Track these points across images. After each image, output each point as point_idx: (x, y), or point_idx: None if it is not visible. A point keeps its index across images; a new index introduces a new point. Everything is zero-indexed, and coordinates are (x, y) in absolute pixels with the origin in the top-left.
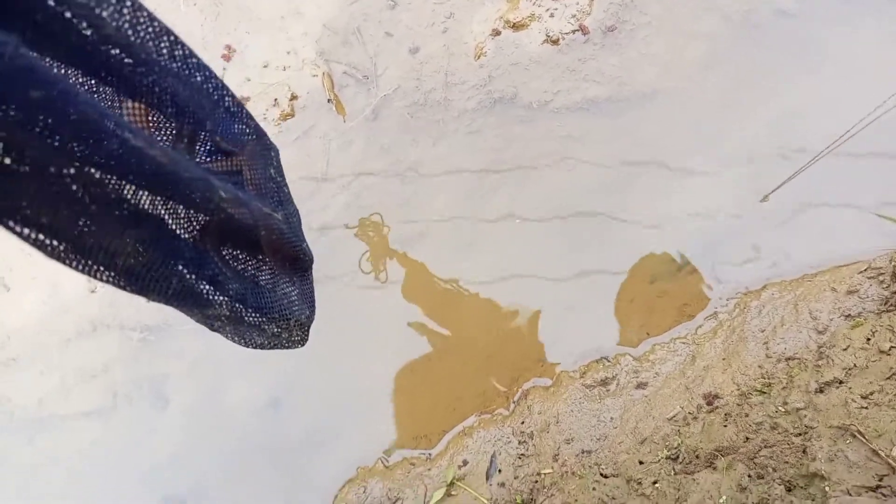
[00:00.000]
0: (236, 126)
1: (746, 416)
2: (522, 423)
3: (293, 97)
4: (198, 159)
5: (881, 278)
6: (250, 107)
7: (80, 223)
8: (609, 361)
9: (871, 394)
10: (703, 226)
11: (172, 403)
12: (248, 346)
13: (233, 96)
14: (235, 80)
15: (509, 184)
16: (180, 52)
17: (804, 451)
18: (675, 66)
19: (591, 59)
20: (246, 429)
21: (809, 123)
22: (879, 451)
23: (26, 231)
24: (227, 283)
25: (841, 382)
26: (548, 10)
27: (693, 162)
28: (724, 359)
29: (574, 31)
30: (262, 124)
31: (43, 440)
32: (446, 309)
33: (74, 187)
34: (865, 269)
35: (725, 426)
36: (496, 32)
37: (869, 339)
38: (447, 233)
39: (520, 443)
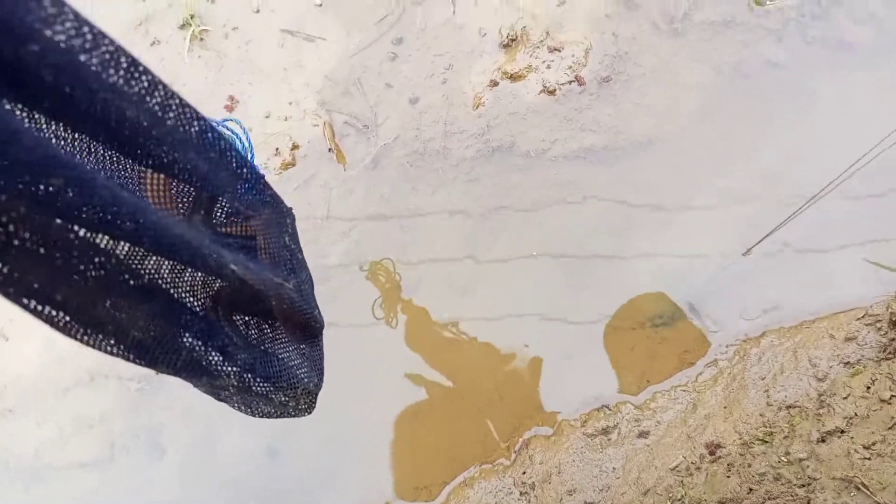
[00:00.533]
0: (253, 194)
1: (749, 466)
2: (524, 473)
3: (294, 146)
4: (214, 222)
5: (878, 325)
6: None
7: (91, 298)
8: (610, 409)
9: (874, 444)
10: (699, 271)
11: (169, 453)
12: (254, 416)
13: (252, 167)
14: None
15: (507, 230)
16: (198, 126)
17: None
18: (670, 116)
19: (588, 108)
20: (242, 478)
21: (803, 169)
22: None
23: (39, 307)
24: (236, 354)
25: (843, 432)
26: (544, 61)
27: (689, 208)
28: (725, 407)
29: (570, 82)
30: (263, 174)
31: (39, 490)
32: (446, 355)
33: (88, 263)
34: (863, 316)
35: (728, 477)
36: (494, 83)
37: (869, 388)
38: (445, 279)
39: (521, 494)
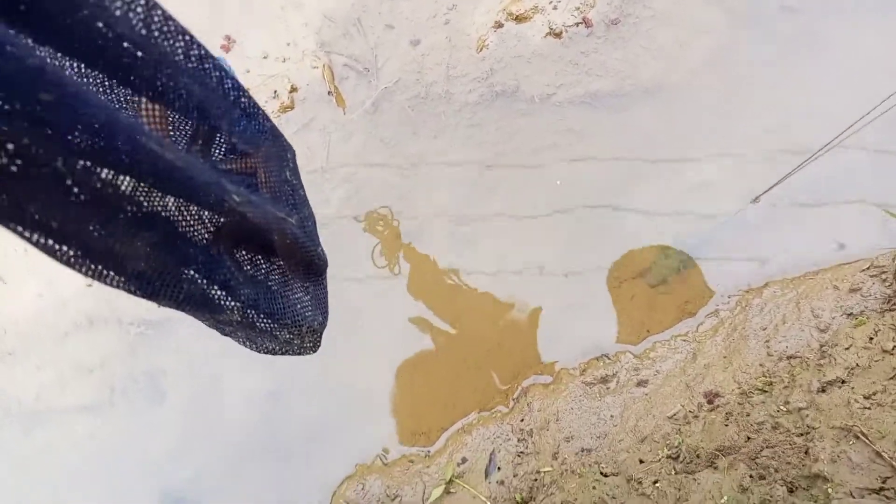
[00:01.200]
0: (252, 127)
1: (748, 415)
2: (522, 420)
3: (293, 89)
4: (213, 159)
5: (884, 276)
6: None
7: (91, 227)
8: (609, 359)
9: (874, 394)
10: (705, 222)
11: (169, 398)
12: (259, 352)
13: (249, 97)
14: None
15: (510, 178)
16: (196, 53)
17: (806, 452)
18: (679, 61)
19: (594, 52)
20: (244, 423)
21: (814, 119)
22: (883, 453)
23: (35, 236)
24: (239, 288)
25: (843, 382)
26: (551, 2)
27: (696, 158)
28: (725, 357)
29: (577, 24)
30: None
31: (39, 434)
32: (446, 304)
33: (85, 191)
34: (868, 268)
35: (727, 425)
36: (499, 24)
37: (872, 339)
38: (447, 227)
39: (519, 440)
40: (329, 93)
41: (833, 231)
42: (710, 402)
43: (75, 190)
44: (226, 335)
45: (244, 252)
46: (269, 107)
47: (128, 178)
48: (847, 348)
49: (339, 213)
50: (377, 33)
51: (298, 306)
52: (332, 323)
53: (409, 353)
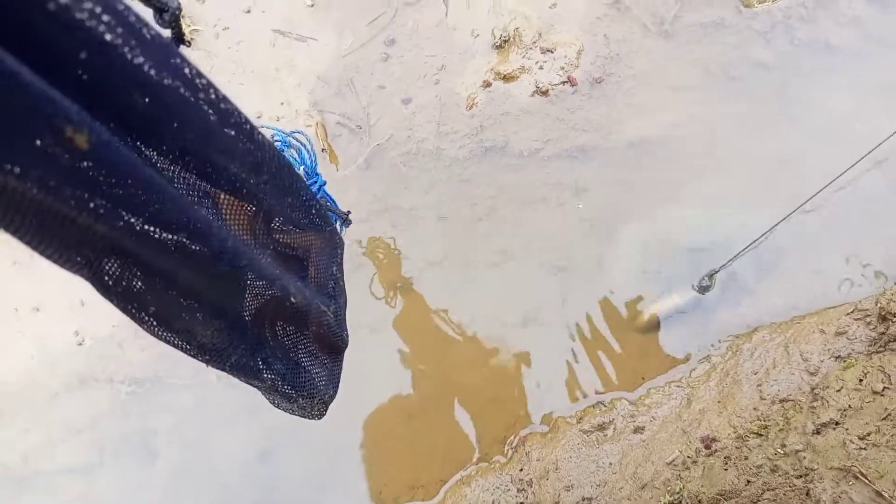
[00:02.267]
0: (309, 216)
1: (746, 458)
2: (521, 470)
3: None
4: (274, 227)
5: (868, 319)
6: None
7: (180, 311)
8: (605, 406)
9: (869, 434)
10: (692, 267)
11: (160, 458)
12: (273, 405)
13: (308, 190)
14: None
15: (501, 230)
16: (270, 153)
17: (808, 494)
18: (661, 116)
19: (580, 109)
20: (236, 482)
21: (793, 172)
22: (883, 493)
23: (146, 318)
24: (275, 364)
25: (837, 423)
26: (537, 62)
27: (680, 207)
28: (719, 401)
29: (563, 83)
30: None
31: (27, 499)
32: (442, 354)
33: (178, 279)
34: (852, 311)
35: (726, 470)
36: (487, 84)
37: (861, 380)
38: (440, 277)
39: (519, 490)
40: (323, 150)
41: (816, 277)
42: (707, 447)
43: (174, 284)
44: (250, 385)
45: (280, 329)
46: None
47: (222, 265)
48: (838, 390)
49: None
50: (369, 93)
51: (317, 380)
52: None
53: (406, 403)
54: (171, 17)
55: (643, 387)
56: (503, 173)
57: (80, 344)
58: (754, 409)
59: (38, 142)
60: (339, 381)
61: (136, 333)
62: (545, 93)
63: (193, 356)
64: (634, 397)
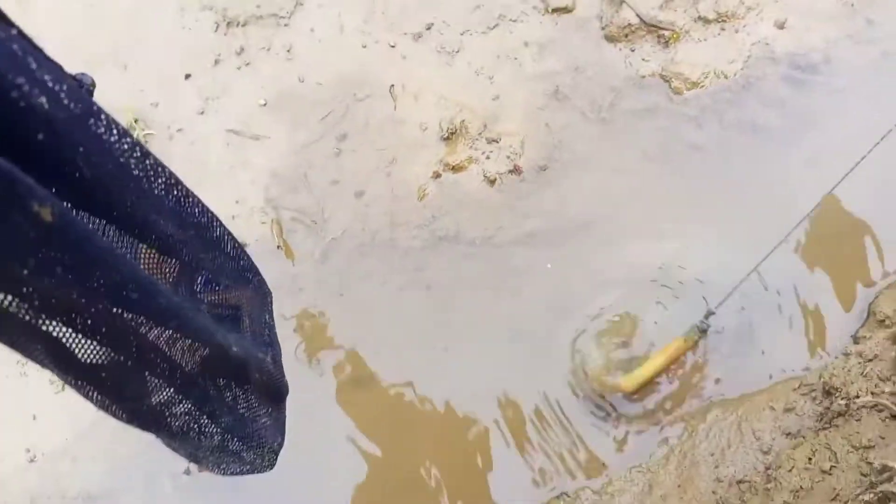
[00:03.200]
0: (236, 269)
1: None
2: None
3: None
4: (197, 290)
5: (813, 395)
6: None
7: (102, 364)
8: (569, 496)
9: None
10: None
11: None
12: (223, 474)
13: (234, 239)
14: None
15: (457, 315)
16: (184, 195)
17: None
18: (605, 197)
19: (527, 195)
20: None
21: (735, 247)
22: None
23: (74, 381)
24: (221, 417)
25: None
26: (484, 153)
27: (628, 285)
28: (679, 486)
29: (510, 171)
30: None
31: None
32: (396, 439)
33: (111, 337)
34: (798, 386)
35: None
36: (437, 174)
37: (810, 459)
38: (396, 361)
39: None
40: (278, 247)
41: (760, 352)
42: None
43: (93, 332)
44: (197, 461)
45: (222, 381)
46: None
47: (141, 318)
48: (790, 470)
49: (289, 357)
50: (323, 187)
51: (263, 430)
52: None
53: (358, 484)
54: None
55: (605, 475)
56: (458, 261)
57: (32, 461)
58: (713, 492)
59: (14, 219)
60: (285, 429)
61: (90, 446)
62: (493, 181)
63: (139, 425)
64: (598, 486)
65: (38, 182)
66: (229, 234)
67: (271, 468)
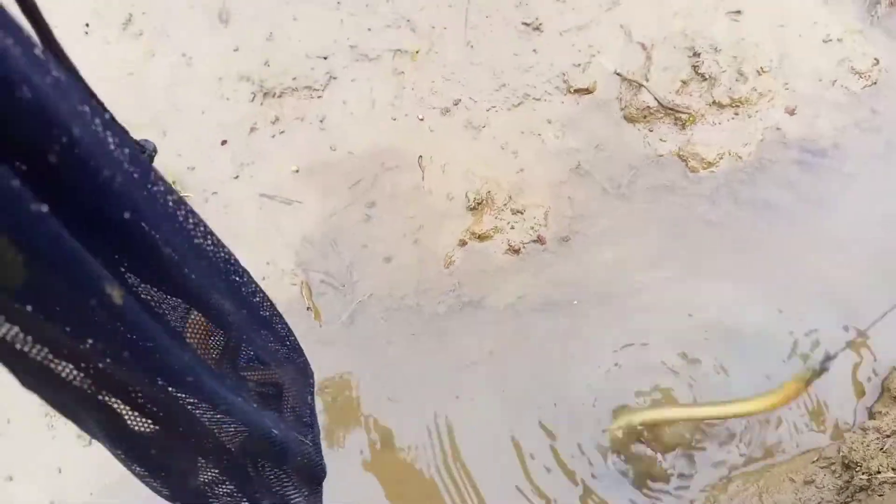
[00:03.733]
0: (283, 349)
1: None
2: None
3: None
4: (241, 366)
5: (833, 468)
6: None
7: (158, 443)
8: None
9: None
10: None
11: None
12: None
13: (284, 322)
14: None
15: (482, 383)
16: (239, 273)
17: None
18: (625, 269)
19: (549, 266)
20: None
21: (745, 319)
22: None
23: (141, 472)
24: (262, 500)
25: None
26: (509, 223)
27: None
28: None
29: (533, 241)
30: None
31: None
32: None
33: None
34: (817, 459)
35: None
36: (463, 243)
37: None
38: (420, 430)
39: None
40: (308, 308)
41: (776, 428)
42: None
43: (148, 409)
44: None
45: (263, 463)
46: None
47: (193, 399)
48: None
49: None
50: (352, 252)
51: None
52: None
53: None
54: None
55: None
56: (481, 326)
57: None
58: None
59: (93, 302)
60: None
61: (115, 502)
62: (517, 251)
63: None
64: None
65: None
66: (279, 315)
67: None
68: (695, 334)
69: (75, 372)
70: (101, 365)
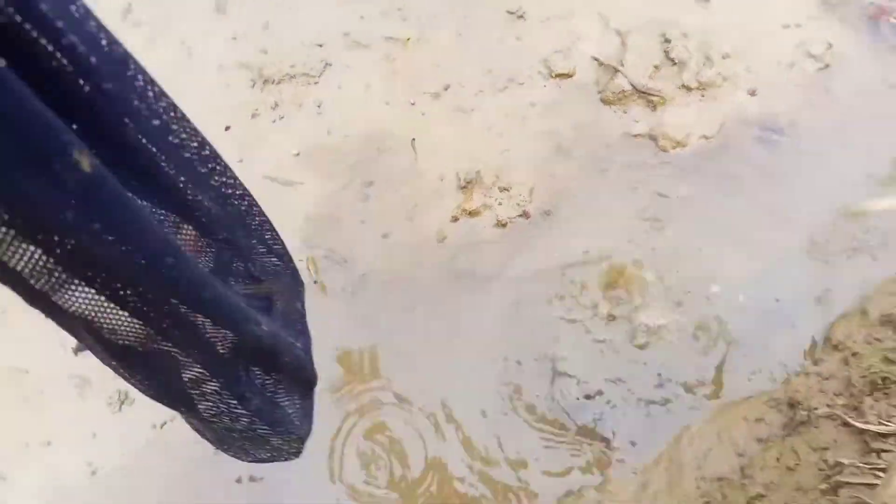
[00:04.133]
0: (272, 256)
1: None
2: None
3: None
4: (231, 273)
5: (780, 407)
6: None
7: (140, 339)
8: (574, 494)
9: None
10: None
11: None
12: (248, 460)
13: (273, 228)
14: None
15: (473, 339)
16: (232, 184)
17: None
18: (603, 234)
19: (535, 237)
20: None
21: (720, 277)
22: None
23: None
24: (252, 399)
25: (763, 496)
26: (497, 199)
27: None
28: (668, 483)
29: (519, 216)
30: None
31: None
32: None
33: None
34: (767, 401)
35: None
36: (455, 219)
37: (778, 459)
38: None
39: None
40: (315, 282)
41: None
42: None
43: (126, 300)
44: (222, 446)
45: (253, 364)
46: None
47: (174, 289)
48: (761, 469)
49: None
50: (353, 228)
51: (291, 416)
52: None
53: None
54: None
55: (603, 475)
56: (471, 293)
57: (93, 474)
58: (697, 487)
59: (56, 166)
60: (312, 417)
61: (144, 463)
62: (504, 225)
63: (168, 403)
64: (597, 482)
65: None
66: (268, 222)
67: (297, 455)
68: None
69: (45, 257)
70: (72, 243)
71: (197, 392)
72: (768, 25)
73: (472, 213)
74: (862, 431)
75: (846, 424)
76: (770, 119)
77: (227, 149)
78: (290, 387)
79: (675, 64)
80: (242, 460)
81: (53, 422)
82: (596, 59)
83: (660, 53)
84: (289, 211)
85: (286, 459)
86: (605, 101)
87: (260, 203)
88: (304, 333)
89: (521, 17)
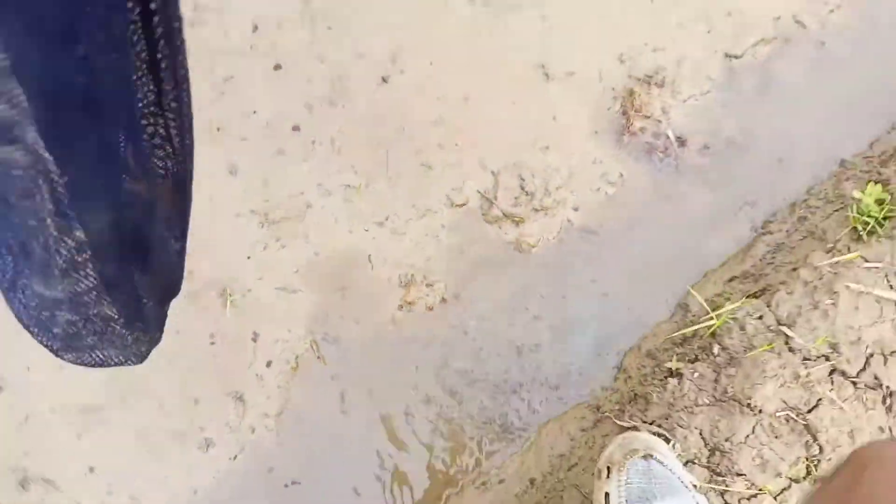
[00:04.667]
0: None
1: None
2: None
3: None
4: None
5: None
6: None
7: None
8: None
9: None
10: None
11: None
12: (85, 364)
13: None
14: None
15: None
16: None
17: None
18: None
19: (443, 319)
20: None
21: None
22: None
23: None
24: (120, 287)
25: None
26: (427, 294)
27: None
28: None
29: (441, 301)
30: None
31: None
32: None
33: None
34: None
35: None
36: (401, 307)
37: None
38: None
39: None
40: (318, 357)
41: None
42: None
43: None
44: (68, 343)
45: (127, 254)
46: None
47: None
48: None
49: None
50: (339, 322)
51: (149, 316)
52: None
53: None
54: None
55: None
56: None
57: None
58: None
59: None
60: (164, 327)
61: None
62: (431, 309)
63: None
64: None
65: None
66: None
67: (141, 361)
68: None
69: None
70: None
71: (73, 270)
72: (582, 162)
73: (411, 304)
74: None
75: None
76: (588, 228)
77: (249, 272)
78: (152, 286)
79: (527, 194)
80: (83, 363)
81: (89, 452)
82: (479, 193)
83: (517, 187)
84: (295, 309)
85: (132, 363)
86: (487, 221)
87: (273, 304)
88: (182, 238)
89: (429, 167)
